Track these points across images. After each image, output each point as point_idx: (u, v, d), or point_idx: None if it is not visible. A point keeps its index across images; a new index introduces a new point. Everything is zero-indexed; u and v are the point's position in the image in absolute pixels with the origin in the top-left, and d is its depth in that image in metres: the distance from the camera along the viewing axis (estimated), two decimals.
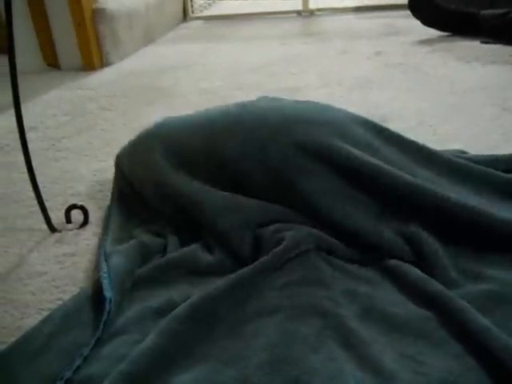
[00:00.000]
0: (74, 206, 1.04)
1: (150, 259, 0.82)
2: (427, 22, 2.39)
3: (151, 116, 1.60)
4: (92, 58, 2.24)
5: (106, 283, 0.72)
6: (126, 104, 1.79)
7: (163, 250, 0.86)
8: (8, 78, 0.88)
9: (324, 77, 1.90)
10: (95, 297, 0.72)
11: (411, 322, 0.65)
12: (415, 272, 0.73)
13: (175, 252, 0.83)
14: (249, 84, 1.90)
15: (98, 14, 2.21)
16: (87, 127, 1.58)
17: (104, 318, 0.67)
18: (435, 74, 1.83)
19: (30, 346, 0.65)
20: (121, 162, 1.09)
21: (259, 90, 1.82)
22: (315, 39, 2.52)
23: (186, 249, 0.83)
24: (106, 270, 0.75)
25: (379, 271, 0.76)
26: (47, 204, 1.02)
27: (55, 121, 1.68)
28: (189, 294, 0.70)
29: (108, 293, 0.70)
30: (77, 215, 1.05)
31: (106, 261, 0.77)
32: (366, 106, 1.58)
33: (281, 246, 0.78)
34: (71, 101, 1.87)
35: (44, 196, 1.00)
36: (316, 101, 1.12)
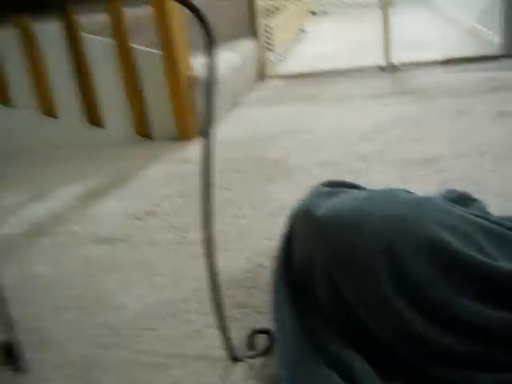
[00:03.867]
0: (258, 331, 0.86)
1: None
2: None
3: (279, 196, 1.45)
4: (187, 127, 2.11)
5: None
6: (243, 181, 1.63)
7: None
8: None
9: (455, 144, 1.72)
10: None
11: None
12: None
13: None
14: (369, 154, 1.73)
15: (194, 81, 2.09)
16: None
17: None
18: None
19: None
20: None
21: (384, 162, 1.65)
22: (416, 98, 2.35)
23: None
24: None
25: None
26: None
27: (172, 204, 1.52)
28: None
29: None
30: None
31: None
32: None
33: None
34: (180, 177, 1.72)
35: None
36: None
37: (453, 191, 1.27)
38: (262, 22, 3.21)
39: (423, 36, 3.26)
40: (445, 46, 3.23)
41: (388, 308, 0.80)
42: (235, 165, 1.77)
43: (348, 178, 1.14)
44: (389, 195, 0.96)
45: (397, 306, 0.80)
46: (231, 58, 2.65)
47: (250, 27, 3.18)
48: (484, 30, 3.16)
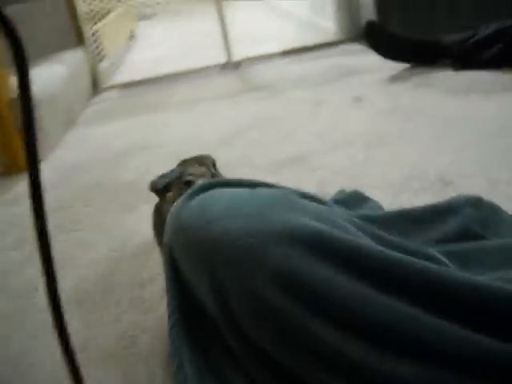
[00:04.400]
0: None
1: None
2: (385, 53, 2.19)
3: (142, 229, 1.21)
4: (16, 159, 1.77)
5: None
6: (95, 216, 1.36)
7: None
8: None
9: (322, 137, 1.60)
10: None
11: None
12: None
13: None
14: (234, 159, 1.56)
15: (17, 105, 1.76)
16: (61, 261, 1.14)
17: None
18: (445, 115, 1.60)
19: None
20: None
21: (252, 167, 1.49)
22: (267, 93, 2.23)
23: None
24: None
25: None
26: None
27: (6, 260, 1.21)
28: None
29: None
30: None
31: None
32: (408, 166, 1.30)
33: None
34: (13, 223, 1.40)
35: None
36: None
37: (342, 191, 1.14)
38: (88, 28, 2.90)
39: (260, 30, 3.19)
40: (283, 38, 3.17)
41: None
42: (82, 196, 1.50)
43: None
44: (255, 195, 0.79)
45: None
46: (59, 71, 2.32)
47: (76, 35, 2.85)
48: (318, 18, 3.16)
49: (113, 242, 1.21)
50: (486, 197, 1.09)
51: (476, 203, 0.91)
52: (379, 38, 2.15)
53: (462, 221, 0.84)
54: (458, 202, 0.89)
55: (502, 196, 1.09)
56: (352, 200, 1.01)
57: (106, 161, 1.75)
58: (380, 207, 1.02)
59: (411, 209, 0.91)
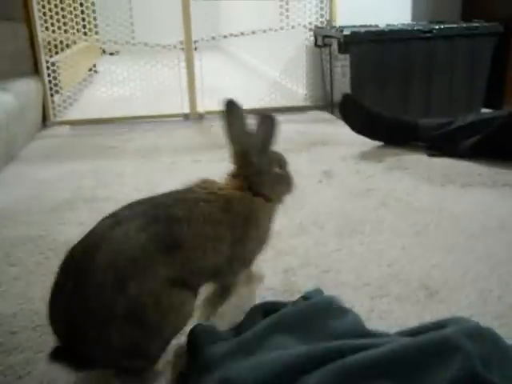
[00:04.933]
0: None
1: None
2: (359, 129, 2.10)
3: None
4: None
5: None
6: (20, 280, 1.15)
7: None
8: None
9: (287, 215, 1.45)
10: None
11: None
12: None
13: None
14: None
15: None
16: None
17: None
18: (423, 206, 1.49)
19: None
20: None
21: None
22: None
23: None
24: None
25: None
26: None
27: None
28: None
29: None
30: None
31: None
32: (386, 264, 1.16)
33: None
34: None
35: None
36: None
37: (317, 291, 0.98)
38: (45, 58, 2.70)
39: (229, 84, 3.08)
40: (251, 96, 3.07)
41: None
42: (8, 253, 1.28)
43: None
44: None
45: None
46: (5, 99, 2.11)
47: (31, 65, 2.65)
48: (289, 81, 3.09)
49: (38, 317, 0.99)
50: (477, 313, 0.97)
51: (476, 336, 0.76)
52: (354, 112, 2.06)
53: (466, 363, 0.68)
54: (455, 335, 0.74)
55: (493, 314, 0.97)
56: (328, 314, 0.84)
57: (42, 212, 1.54)
58: (360, 324, 0.86)
59: (402, 346, 0.73)
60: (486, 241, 1.26)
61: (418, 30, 2.39)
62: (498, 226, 1.34)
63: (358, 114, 2.06)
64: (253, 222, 0.96)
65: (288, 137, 2.32)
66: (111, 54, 5.45)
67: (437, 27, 2.42)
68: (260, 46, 3.85)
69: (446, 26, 2.47)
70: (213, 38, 2.91)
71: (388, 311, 0.99)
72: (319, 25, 2.80)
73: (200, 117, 2.80)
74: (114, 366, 0.80)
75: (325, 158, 1.97)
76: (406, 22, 2.90)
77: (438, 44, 2.42)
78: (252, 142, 1.02)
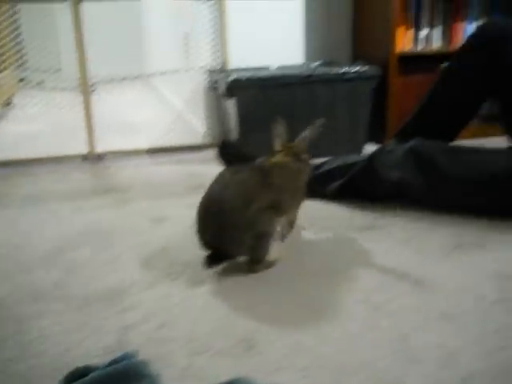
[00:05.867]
0: None
1: None
2: None
3: None
4: None
5: None
6: None
7: None
8: None
9: (150, 266, 1.52)
10: None
11: None
12: None
13: None
14: (46, 288, 1.42)
15: None
16: None
17: None
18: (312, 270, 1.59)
19: None
20: None
21: (63, 301, 1.36)
22: (114, 200, 2.13)
23: None
24: None
25: None
26: None
27: None
28: None
29: None
30: None
31: None
32: (210, 317, 1.24)
33: None
34: None
35: None
36: None
37: (129, 355, 1.04)
38: None
39: (132, 119, 3.14)
40: (154, 133, 3.14)
41: None
42: None
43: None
44: None
45: None
46: None
47: None
48: (191, 117, 3.18)
49: None
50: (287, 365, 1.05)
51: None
52: (232, 157, 2.15)
53: None
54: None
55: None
56: (122, 381, 0.91)
57: None
58: None
59: None
60: (301, 287, 1.37)
61: (299, 75, 2.54)
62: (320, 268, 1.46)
63: (235, 158, 2.16)
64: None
65: (176, 179, 2.40)
66: (31, 86, 5.38)
67: (317, 72, 2.58)
68: (169, 84, 3.95)
69: (327, 70, 2.63)
70: (111, 79, 2.96)
71: (205, 367, 1.07)
72: (214, 67, 2.91)
73: (99, 157, 2.84)
74: (243, 255, 1.47)
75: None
76: (299, 63, 3.06)
77: (319, 87, 2.57)
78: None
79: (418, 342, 1.13)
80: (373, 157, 1.96)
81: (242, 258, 1.48)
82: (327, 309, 1.28)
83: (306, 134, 1.65)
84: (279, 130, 1.62)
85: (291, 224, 1.67)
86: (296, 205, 1.62)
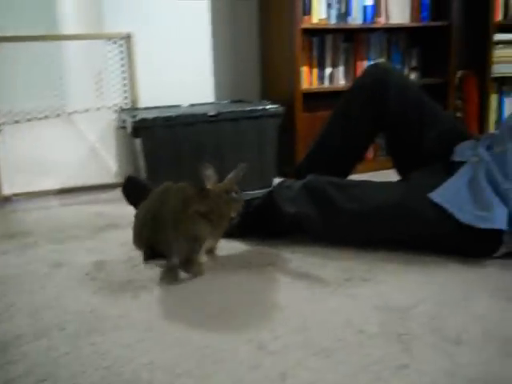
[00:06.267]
0: None
1: None
2: None
3: None
4: None
5: None
6: None
7: None
8: None
9: (40, 315, 1.50)
10: None
11: None
12: None
13: None
14: None
15: None
16: None
17: None
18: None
19: None
20: None
21: None
22: (18, 244, 2.09)
23: None
24: None
25: None
26: None
27: None
28: None
29: None
30: None
31: None
32: (99, 365, 1.24)
33: None
34: None
35: None
36: None
37: None
38: None
39: (44, 161, 3.10)
40: (66, 172, 3.10)
41: None
42: None
43: None
44: None
45: None
46: None
47: None
48: (103, 156, 3.17)
49: None
50: None
51: None
52: (138, 193, 2.12)
53: None
54: None
55: None
56: None
57: None
58: None
59: None
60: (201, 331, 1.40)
61: (205, 114, 2.60)
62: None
63: (140, 195, 2.16)
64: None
65: (84, 220, 2.38)
66: None
67: (224, 110, 2.65)
68: (85, 122, 3.93)
69: (234, 108, 2.71)
70: (16, 121, 2.92)
71: None
72: (125, 106, 2.93)
73: (6, 200, 2.78)
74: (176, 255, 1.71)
75: (106, 247, 2.04)
76: (209, 101, 3.13)
77: (225, 126, 2.64)
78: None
79: (295, 381, 1.17)
80: (272, 192, 2.02)
81: (174, 259, 1.71)
82: (213, 349, 1.31)
83: (232, 176, 1.76)
84: (208, 172, 1.70)
85: (210, 251, 1.83)
86: (219, 232, 1.76)
